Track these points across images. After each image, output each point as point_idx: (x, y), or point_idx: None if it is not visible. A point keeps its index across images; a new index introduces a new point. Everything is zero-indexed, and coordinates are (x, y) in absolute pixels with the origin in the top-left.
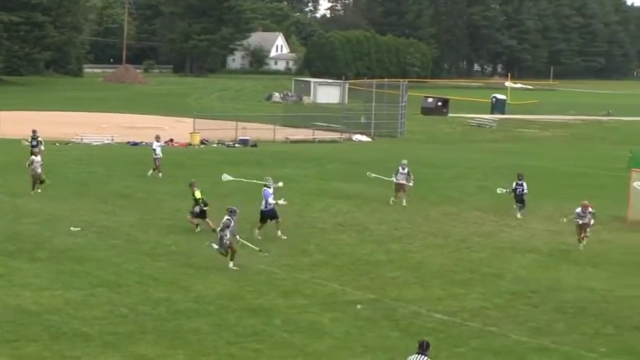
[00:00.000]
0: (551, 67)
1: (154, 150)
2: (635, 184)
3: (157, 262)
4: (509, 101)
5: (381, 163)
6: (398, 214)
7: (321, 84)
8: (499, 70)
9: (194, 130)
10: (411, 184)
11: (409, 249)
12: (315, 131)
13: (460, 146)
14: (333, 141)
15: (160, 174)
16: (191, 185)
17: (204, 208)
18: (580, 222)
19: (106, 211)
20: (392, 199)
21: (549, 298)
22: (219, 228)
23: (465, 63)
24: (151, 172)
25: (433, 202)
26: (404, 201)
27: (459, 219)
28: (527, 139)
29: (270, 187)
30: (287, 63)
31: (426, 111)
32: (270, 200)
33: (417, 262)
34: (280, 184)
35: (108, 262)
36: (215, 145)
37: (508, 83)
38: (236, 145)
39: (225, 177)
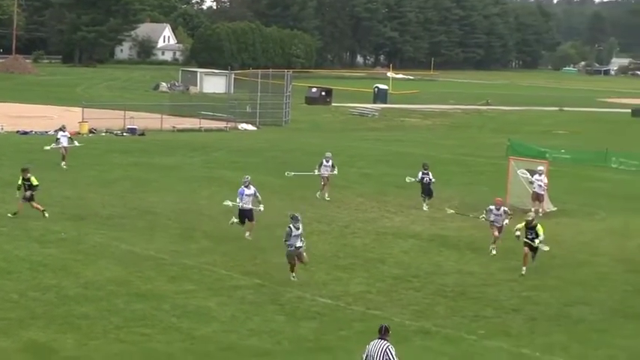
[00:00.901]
0: (432, 58)
1: (58, 139)
2: (518, 172)
3: (46, 249)
4: (390, 91)
5: (266, 152)
6: (282, 201)
7: (207, 74)
8: (381, 60)
9: (83, 119)
10: (335, 172)
11: None
12: (202, 120)
13: (343, 135)
14: (220, 130)
15: (64, 163)
16: (25, 171)
17: (33, 192)
18: (494, 222)
19: None
20: (318, 193)
21: (430, 282)
22: (283, 238)
23: (348, 54)
24: (63, 163)
25: (317, 189)
26: (326, 195)
27: (343, 205)
28: (408, 128)
29: (248, 187)
30: (174, 54)
31: (310, 100)
32: (245, 203)
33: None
34: (261, 207)
35: None
36: (104, 133)
37: (390, 74)
38: (124, 133)
39: (227, 203)
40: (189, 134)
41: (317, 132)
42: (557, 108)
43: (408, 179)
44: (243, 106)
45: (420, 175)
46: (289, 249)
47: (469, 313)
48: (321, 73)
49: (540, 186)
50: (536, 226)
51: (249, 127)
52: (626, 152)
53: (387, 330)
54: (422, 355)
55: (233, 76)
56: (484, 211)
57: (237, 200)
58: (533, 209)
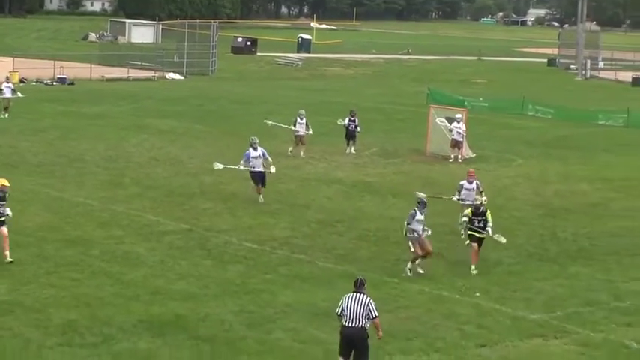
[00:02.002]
0: (355, 9)
1: (1, 90)
2: (437, 119)
3: None
4: (314, 41)
5: (193, 100)
6: (209, 147)
7: (135, 25)
8: (305, 11)
9: (13, 68)
10: (310, 132)
11: (221, 181)
12: (130, 70)
13: (268, 84)
14: (148, 79)
15: (6, 113)
16: None
17: None
18: (465, 200)
19: None
20: (290, 149)
21: (353, 226)
22: (406, 222)
23: (272, 4)
24: (3, 113)
25: (243, 137)
26: (302, 152)
27: (269, 153)
28: (331, 77)
29: (256, 148)
30: (103, 4)
31: (236, 50)
32: (253, 165)
33: (228, 193)
34: (272, 169)
35: None
36: (34, 83)
37: (313, 24)
38: (54, 83)
39: (217, 166)
40: (117, 83)
41: (243, 81)
42: (475, 57)
43: (339, 122)
44: (171, 55)
45: (347, 120)
46: (411, 234)
47: (391, 257)
48: (246, 24)
49: (459, 133)
50: (486, 212)
51: (177, 76)
52: (542, 100)
53: (362, 283)
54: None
55: (161, 26)
56: (456, 192)
57: (241, 163)
58: (452, 155)
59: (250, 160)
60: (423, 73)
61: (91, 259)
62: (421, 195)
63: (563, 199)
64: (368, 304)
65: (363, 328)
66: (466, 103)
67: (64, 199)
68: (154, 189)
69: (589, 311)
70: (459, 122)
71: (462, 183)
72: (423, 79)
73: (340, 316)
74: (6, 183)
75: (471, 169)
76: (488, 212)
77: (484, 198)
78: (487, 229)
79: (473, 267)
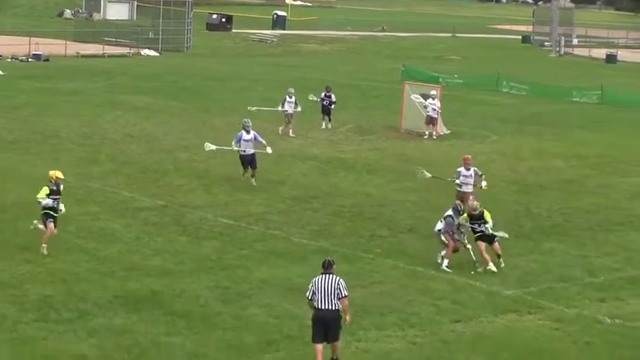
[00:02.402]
0: None
1: None
2: (412, 96)
3: None
4: (289, 17)
5: (167, 76)
6: (184, 124)
7: (110, 1)
8: None
9: None
10: (299, 109)
11: (195, 158)
12: (105, 46)
13: (243, 60)
14: (123, 55)
15: None
16: None
17: None
18: (462, 187)
19: None
20: (281, 128)
21: (328, 203)
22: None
23: None
24: None
25: (218, 114)
26: (291, 131)
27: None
28: (306, 54)
29: (248, 131)
30: None
31: (211, 27)
32: (245, 148)
33: (203, 170)
34: (269, 150)
35: None
36: (9, 59)
37: (289, 0)
38: (29, 59)
39: (209, 146)
40: (92, 60)
41: (218, 57)
42: (450, 34)
43: (310, 97)
44: (146, 32)
45: (322, 95)
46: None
47: (366, 233)
48: (221, 0)
49: (434, 109)
50: (482, 213)
51: (152, 52)
52: (517, 77)
53: (330, 264)
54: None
55: (136, 3)
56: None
57: (233, 143)
58: (427, 132)
59: (242, 142)
60: (397, 50)
61: (66, 235)
62: (457, 202)
63: (537, 176)
64: (338, 284)
65: (337, 311)
66: (441, 79)
67: (40, 175)
68: (129, 165)
69: (563, 287)
70: (433, 99)
71: (459, 169)
72: (398, 56)
73: (311, 300)
74: (60, 175)
75: (467, 156)
76: (486, 212)
77: (484, 183)
78: (486, 226)
79: (491, 265)
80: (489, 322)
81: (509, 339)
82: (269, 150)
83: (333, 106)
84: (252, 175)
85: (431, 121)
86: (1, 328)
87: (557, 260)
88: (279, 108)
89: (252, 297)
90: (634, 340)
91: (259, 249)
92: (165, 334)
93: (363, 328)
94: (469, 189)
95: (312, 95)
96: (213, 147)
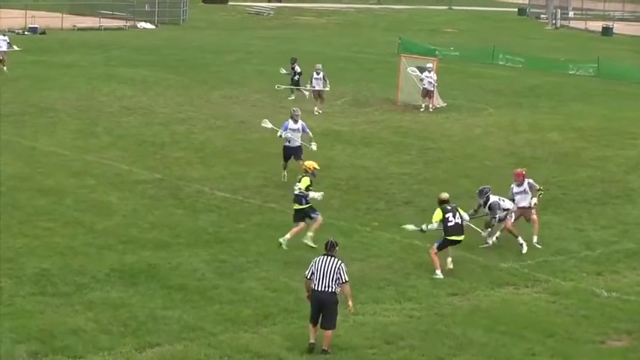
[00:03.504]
0: None
1: None
2: (409, 69)
3: None
4: None
5: (164, 49)
6: (181, 97)
7: None
8: None
9: None
10: (327, 88)
11: (192, 130)
12: (102, 19)
13: (240, 33)
14: (119, 28)
15: (5, 68)
16: None
17: None
18: (518, 203)
19: None
20: (315, 108)
21: (325, 175)
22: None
23: None
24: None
25: (214, 86)
26: (318, 109)
27: (239, 102)
28: (302, 26)
29: (296, 120)
30: None
31: None
32: (290, 135)
33: (200, 142)
34: (313, 146)
35: None
36: (5, 33)
37: None
38: (26, 32)
39: (266, 123)
40: (89, 33)
41: (214, 30)
42: (446, 7)
43: (281, 70)
44: (142, 4)
45: (290, 68)
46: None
47: (362, 206)
48: None
49: (430, 82)
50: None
51: (148, 25)
52: (513, 50)
53: (333, 245)
54: (316, 246)
55: None
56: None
57: (280, 130)
58: (423, 104)
59: (288, 131)
60: (394, 23)
61: (63, 208)
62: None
63: (533, 149)
64: (339, 268)
65: (334, 293)
66: (437, 52)
67: (36, 148)
68: (125, 138)
69: (560, 260)
70: (429, 72)
71: (511, 186)
72: (394, 29)
73: (309, 279)
74: (316, 165)
75: (518, 170)
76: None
77: (534, 200)
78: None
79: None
80: (486, 295)
81: (505, 312)
82: (314, 146)
83: (297, 77)
84: (285, 168)
85: (427, 93)
86: None
87: (553, 233)
88: (307, 86)
89: (248, 270)
90: (630, 313)
91: (256, 222)
92: (162, 307)
93: (360, 301)
94: (526, 203)
95: (282, 69)
96: (269, 125)
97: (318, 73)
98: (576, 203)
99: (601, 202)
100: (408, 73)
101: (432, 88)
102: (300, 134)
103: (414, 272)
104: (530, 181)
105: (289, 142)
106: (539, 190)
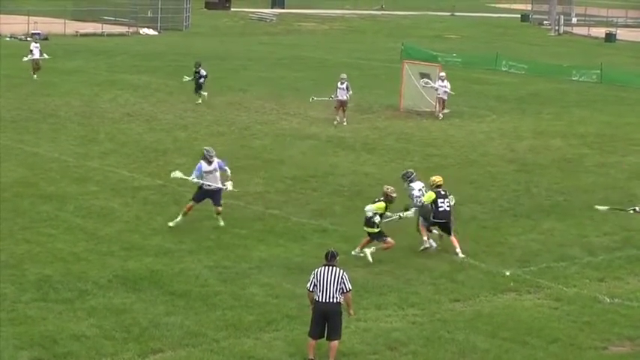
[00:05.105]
0: None
1: (31, 51)
2: (422, 81)
3: None
4: None
5: (166, 56)
6: (183, 104)
7: None
8: None
9: None
10: (350, 92)
11: (195, 137)
12: (104, 25)
13: (242, 39)
14: (122, 34)
15: (35, 76)
16: None
17: None
18: None
19: None
20: (335, 120)
21: (327, 182)
22: None
23: None
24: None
25: (217, 92)
26: (344, 120)
27: (242, 108)
28: (305, 33)
29: (210, 161)
30: None
31: (210, 5)
32: (208, 179)
33: (202, 149)
34: (229, 185)
35: None
36: (8, 38)
37: None
38: (28, 38)
39: (175, 174)
40: (91, 39)
41: (216, 36)
42: (449, 13)
43: (184, 79)
44: (145, 10)
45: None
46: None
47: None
48: None
49: (446, 92)
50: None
51: (151, 31)
52: (516, 56)
53: (334, 255)
54: (319, 252)
55: None
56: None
57: (193, 175)
58: (441, 114)
59: (203, 175)
60: (396, 29)
61: (65, 214)
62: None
63: (536, 155)
64: (342, 277)
65: (338, 304)
66: (439, 58)
67: (39, 154)
68: (128, 145)
69: (562, 266)
70: (443, 80)
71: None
72: (397, 35)
73: (311, 292)
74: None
75: None
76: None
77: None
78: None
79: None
80: (488, 301)
81: (508, 318)
82: (229, 185)
83: (202, 80)
84: (218, 213)
85: (443, 103)
86: (1, 307)
87: (556, 239)
88: (332, 97)
89: (251, 276)
90: (633, 319)
91: (258, 228)
92: (165, 313)
93: (363, 307)
94: None
95: (185, 77)
96: (179, 175)
97: (342, 83)
98: (579, 209)
99: None
100: (412, 79)
101: (446, 97)
102: (218, 174)
103: (416, 278)
104: None
105: (209, 184)
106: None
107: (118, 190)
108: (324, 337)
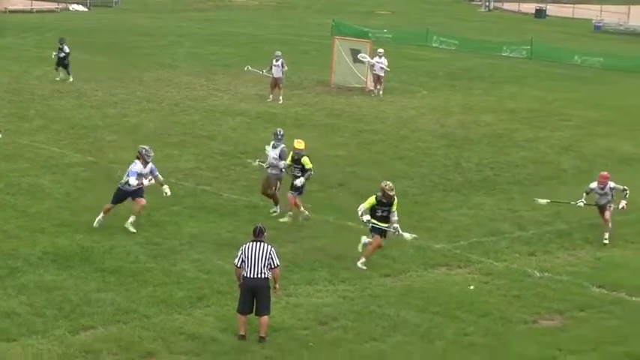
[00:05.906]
0: None
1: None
2: (360, 55)
3: None
4: None
5: (96, 32)
6: (113, 80)
7: None
8: None
9: None
10: (285, 68)
11: (125, 113)
12: (34, 2)
13: (172, 15)
14: (51, 11)
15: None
16: None
17: None
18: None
19: None
20: (268, 99)
21: (257, 158)
22: None
23: None
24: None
25: (146, 69)
26: (280, 98)
27: (172, 84)
28: (235, 9)
29: (147, 162)
30: None
31: None
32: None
33: (132, 125)
34: (166, 189)
35: None
36: None
37: None
38: None
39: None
40: (21, 15)
41: (147, 13)
42: None
43: (53, 55)
44: None
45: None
46: None
47: None
48: None
49: (382, 68)
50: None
51: (81, 8)
52: (447, 32)
53: (262, 231)
54: (249, 228)
55: None
56: (584, 194)
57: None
58: (375, 90)
59: (137, 177)
60: (327, 5)
61: None
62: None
63: (466, 130)
64: (270, 253)
65: (266, 279)
66: (370, 34)
67: None
68: (58, 121)
69: (492, 241)
70: (380, 57)
71: (591, 186)
72: (329, 11)
73: (239, 268)
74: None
75: (603, 173)
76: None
77: (623, 202)
78: (392, 217)
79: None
80: (419, 276)
81: (438, 293)
82: (166, 189)
83: (64, 56)
84: (139, 211)
85: (378, 79)
86: None
87: (486, 214)
88: (264, 71)
89: (182, 252)
90: (562, 293)
91: (189, 205)
92: (96, 290)
93: (294, 282)
94: (604, 202)
95: (53, 53)
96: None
97: (277, 60)
98: (509, 184)
99: (534, 182)
100: (342, 55)
101: (383, 74)
102: (150, 178)
103: (348, 254)
104: (612, 184)
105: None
106: (624, 190)
107: (48, 167)
108: (253, 312)
